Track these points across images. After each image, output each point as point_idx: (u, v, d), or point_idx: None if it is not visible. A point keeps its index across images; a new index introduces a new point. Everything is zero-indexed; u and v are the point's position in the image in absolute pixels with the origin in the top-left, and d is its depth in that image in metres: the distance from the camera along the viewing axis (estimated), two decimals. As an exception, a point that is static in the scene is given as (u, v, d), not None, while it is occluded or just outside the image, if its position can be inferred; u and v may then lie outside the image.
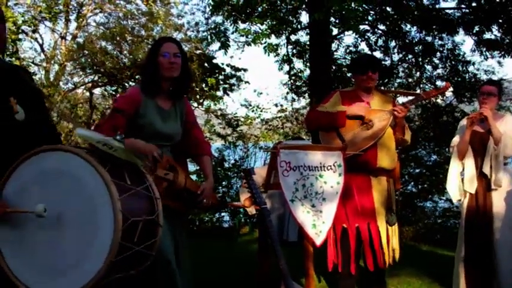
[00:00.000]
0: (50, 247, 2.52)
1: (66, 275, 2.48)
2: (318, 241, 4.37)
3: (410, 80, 12.53)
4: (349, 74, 11.40)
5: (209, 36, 12.14)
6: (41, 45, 14.18)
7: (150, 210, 2.69)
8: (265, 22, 10.65)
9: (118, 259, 2.44)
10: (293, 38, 12.39)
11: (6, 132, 2.77)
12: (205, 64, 13.03)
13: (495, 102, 5.20)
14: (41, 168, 2.60)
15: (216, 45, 12.41)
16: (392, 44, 12.19)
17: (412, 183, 12.27)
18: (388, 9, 11.05)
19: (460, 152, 5.18)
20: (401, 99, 5.65)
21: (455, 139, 5.28)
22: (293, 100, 13.87)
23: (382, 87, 10.87)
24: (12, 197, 2.62)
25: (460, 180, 5.21)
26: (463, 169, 5.22)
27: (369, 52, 12.18)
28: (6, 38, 2.99)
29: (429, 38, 11.90)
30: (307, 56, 12.30)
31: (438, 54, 12.00)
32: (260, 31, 10.62)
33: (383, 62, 12.19)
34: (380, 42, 12.29)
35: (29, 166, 2.63)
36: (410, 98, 5.16)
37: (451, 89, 11.89)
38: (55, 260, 2.51)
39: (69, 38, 14.45)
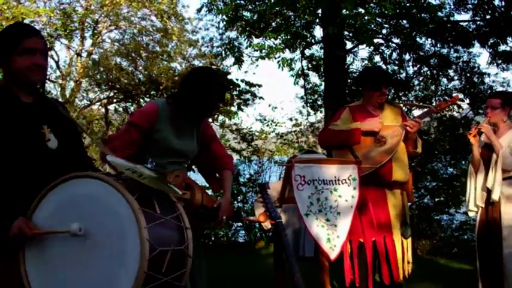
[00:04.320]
0: (76, 273, 2.51)
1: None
2: (333, 255, 4.36)
3: (426, 92, 12.49)
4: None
5: (223, 52, 12.23)
6: (57, 62, 14.31)
7: (180, 240, 2.65)
8: (279, 37, 10.69)
9: None
10: (307, 52, 12.44)
11: (38, 159, 2.80)
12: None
13: (502, 114, 5.17)
14: (71, 195, 2.60)
15: (230, 60, 12.50)
16: (407, 57, 12.19)
17: (428, 196, 12.19)
18: (402, 22, 11.04)
19: (473, 166, 5.26)
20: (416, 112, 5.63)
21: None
22: (308, 114, 13.88)
23: (397, 100, 10.85)
24: (43, 221, 2.62)
25: (474, 194, 5.25)
26: (475, 183, 5.27)
27: (384, 65, 12.18)
28: (47, 71, 3.06)
29: (444, 51, 11.89)
30: (322, 69, 12.31)
31: (453, 66, 11.97)
32: (274, 46, 10.66)
33: (398, 75, 12.18)
34: (394, 55, 12.29)
35: (59, 192, 2.63)
36: (422, 111, 5.16)
37: (467, 101, 11.88)
38: (81, 286, 2.50)
39: (84, 54, 14.58)
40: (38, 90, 3.00)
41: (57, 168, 2.78)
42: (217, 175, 4.07)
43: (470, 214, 5.45)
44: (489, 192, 5.08)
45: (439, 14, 10.58)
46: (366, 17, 9.47)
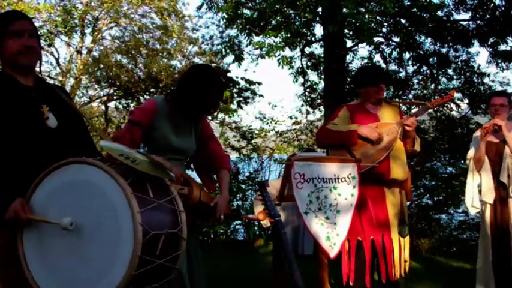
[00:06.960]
0: (71, 257, 2.54)
1: (87, 285, 2.50)
2: (332, 253, 4.35)
3: (425, 91, 12.48)
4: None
5: (223, 50, 12.22)
6: (57, 59, 14.36)
7: (174, 224, 2.67)
8: (279, 35, 10.68)
9: (139, 272, 2.44)
10: (307, 50, 12.42)
11: (37, 136, 2.81)
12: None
13: (507, 112, 5.28)
14: (66, 180, 2.62)
15: (230, 58, 12.50)
16: (407, 55, 12.18)
17: (428, 195, 12.19)
18: (403, 21, 11.04)
19: (477, 163, 5.23)
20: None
21: (471, 152, 5.34)
22: (307, 112, 13.85)
23: (397, 99, 10.84)
24: (38, 205, 2.64)
25: (476, 192, 5.25)
26: (480, 181, 5.26)
27: (383, 64, 12.18)
28: (41, 53, 3.05)
29: (444, 50, 11.88)
30: (321, 68, 12.30)
31: (453, 65, 11.96)
32: (274, 44, 10.66)
33: (398, 74, 12.18)
34: (394, 54, 12.28)
35: (54, 177, 2.64)
36: (418, 108, 5.18)
37: (466, 100, 11.87)
38: (76, 270, 2.52)
39: (84, 51, 14.60)
40: (34, 72, 3.00)
41: (57, 148, 2.80)
42: (212, 175, 4.06)
43: (472, 212, 5.47)
44: (503, 187, 5.12)
45: (439, 13, 10.58)
46: (367, 16, 9.47)
